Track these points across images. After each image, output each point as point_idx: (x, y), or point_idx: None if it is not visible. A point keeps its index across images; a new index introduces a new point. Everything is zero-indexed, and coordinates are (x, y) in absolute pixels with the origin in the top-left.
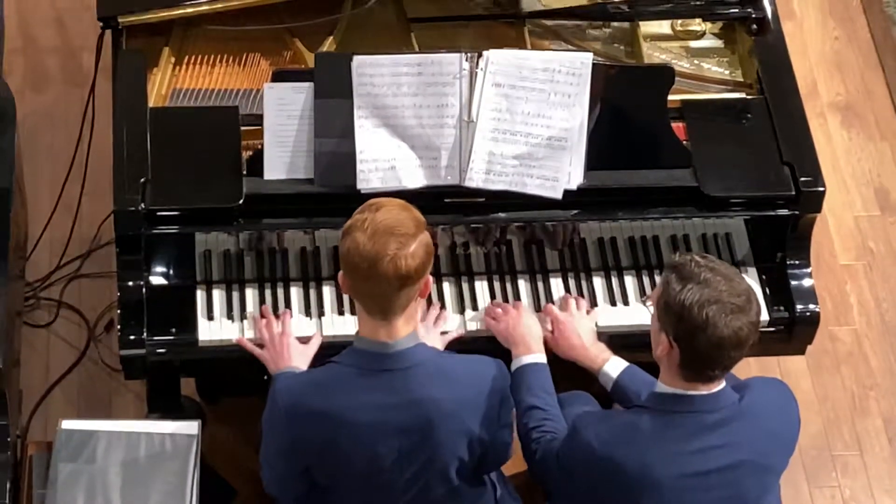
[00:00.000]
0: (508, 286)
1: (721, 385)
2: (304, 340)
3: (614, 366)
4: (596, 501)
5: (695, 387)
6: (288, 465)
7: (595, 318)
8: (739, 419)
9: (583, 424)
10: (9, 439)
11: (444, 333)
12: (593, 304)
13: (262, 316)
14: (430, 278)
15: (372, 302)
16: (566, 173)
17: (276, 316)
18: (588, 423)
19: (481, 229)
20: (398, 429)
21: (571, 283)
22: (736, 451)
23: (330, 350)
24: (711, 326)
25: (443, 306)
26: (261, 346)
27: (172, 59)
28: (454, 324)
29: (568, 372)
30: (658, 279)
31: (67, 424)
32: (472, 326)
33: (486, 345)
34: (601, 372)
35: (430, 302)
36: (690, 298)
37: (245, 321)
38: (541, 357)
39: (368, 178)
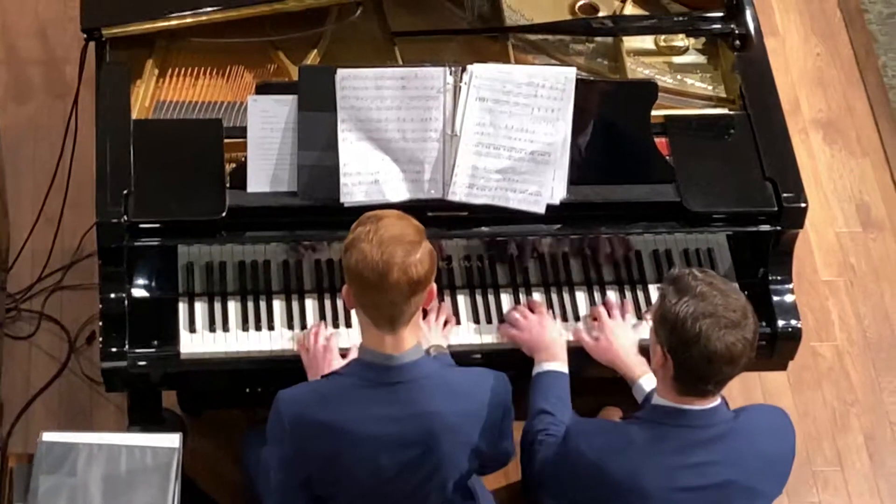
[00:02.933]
0: (491, 300)
1: (716, 401)
2: (344, 354)
3: (649, 381)
4: None
5: (689, 401)
6: (290, 473)
7: (640, 332)
8: (732, 438)
9: (576, 432)
10: None
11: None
12: (575, 318)
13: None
14: (435, 286)
15: (380, 313)
16: (549, 188)
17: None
18: (581, 431)
19: (464, 243)
20: (402, 442)
21: (554, 297)
22: (726, 469)
23: None
24: (704, 339)
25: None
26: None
27: (156, 72)
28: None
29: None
30: (640, 294)
31: (48, 437)
32: (454, 340)
33: (469, 359)
34: (636, 384)
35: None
36: (685, 311)
37: (228, 333)
38: (563, 367)
39: (352, 191)
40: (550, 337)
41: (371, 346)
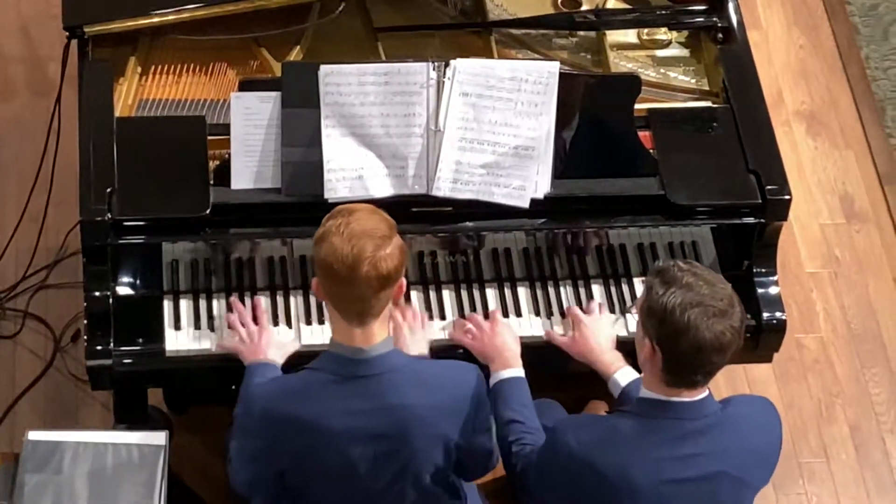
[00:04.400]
0: (476, 294)
1: (704, 393)
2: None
3: (625, 375)
4: None
5: (677, 393)
6: (262, 468)
7: (617, 327)
8: (720, 429)
9: (563, 428)
10: None
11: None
12: (561, 313)
13: (231, 310)
14: (405, 281)
15: (349, 306)
16: (533, 182)
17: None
18: (569, 427)
19: (448, 238)
20: (373, 435)
21: (539, 292)
22: (714, 461)
23: (301, 359)
24: (693, 329)
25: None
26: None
27: (139, 69)
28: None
29: (545, 381)
30: (625, 288)
31: (34, 435)
32: (441, 335)
33: (455, 353)
34: (612, 379)
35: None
36: (672, 301)
37: (213, 331)
38: (518, 371)
39: (335, 187)
40: (502, 343)
41: (341, 340)
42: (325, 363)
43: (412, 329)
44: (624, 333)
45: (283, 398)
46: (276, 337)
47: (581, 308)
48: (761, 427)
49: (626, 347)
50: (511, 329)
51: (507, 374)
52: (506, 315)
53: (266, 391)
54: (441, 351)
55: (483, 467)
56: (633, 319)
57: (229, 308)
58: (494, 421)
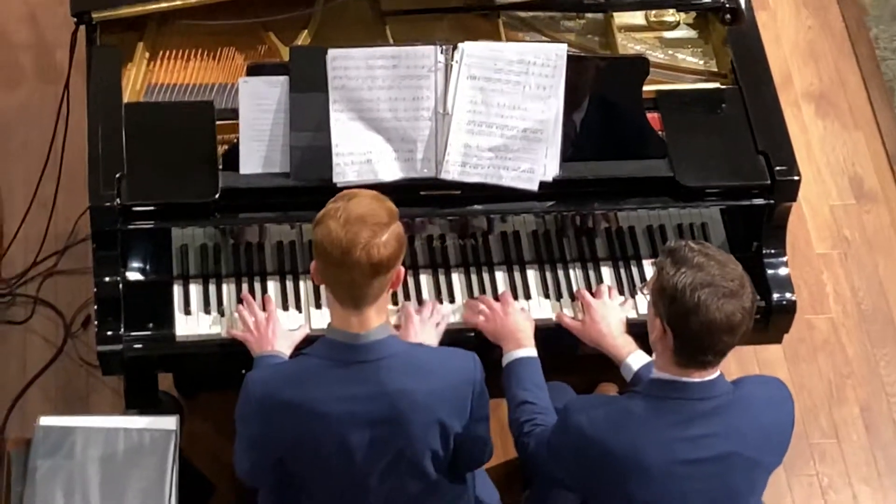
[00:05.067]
0: (486, 277)
1: (716, 373)
2: None
3: (637, 359)
4: (585, 488)
5: (688, 373)
6: (261, 455)
7: (627, 311)
8: (732, 410)
9: (575, 409)
10: None
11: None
12: (570, 296)
13: (242, 301)
14: (402, 269)
15: (344, 291)
16: (542, 165)
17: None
18: (580, 408)
19: (458, 221)
20: (369, 420)
21: (548, 274)
22: (726, 441)
23: (308, 343)
24: (703, 309)
25: (430, 301)
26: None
27: (147, 55)
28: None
29: (555, 363)
30: (635, 270)
31: (45, 421)
32: (451, 319)
33: (464, 337)
34: (624, 363)
35: (405, 295)
36: (683, 281)
37: (223, 316)
38: (531, 351)
39: (344, 171)
40: (514, 324)
41: (338, 326)
42: (322, 349)
43: (423, 321)
44: (634, 315)
45: (279, 384)
46: (284, 327)
47: (590, 292)
48: (773, 407)
49: (635, 329)
50: (523, 310)
51: (520, 353)
52: (515, 298)
53: (262, 378)
54: (451, 335)
55: (479, 457)
56: (642, 301)
57: (239, 293)
58: (507, 401)
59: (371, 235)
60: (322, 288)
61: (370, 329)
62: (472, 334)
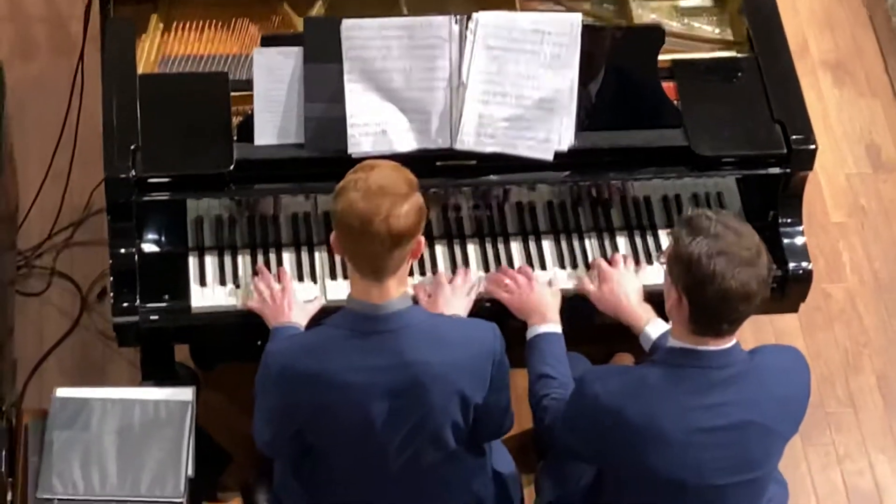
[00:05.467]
0: (501, 248)
1: (732, 342)
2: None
3: (656, 328)
4: (601, 457)
5: (704, 342)
6: (280, 426)
7: (643, 279)
8: (749, 378)
9: (591, 378)
10: (3, 407)
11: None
12: (585, 265)
13: (257, 273)
14: (423, 239)
15: (364, 262)
16: (557, 134)
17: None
18: (596, 378)
19: (473, 192)
20: (389, 391)
21: (564, 244)
22: (743, 410)
23: (327, 315)
24: (719, 278)
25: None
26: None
27: (161, 26)
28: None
29: (571, 334)
30: (650, 240)
31: (62, 392)
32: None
33: (480, 308)
34: (643, 332)
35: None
36: (699, 250)
37: (239, 287)
38: (555, 326)
39: (359, 141)
40: (539, 298)
41: (358, 297)
42: (342, 319)
43: (455, 289)
44: (650, 283)
45: (299, 355)
46: (299, 298)
47: (606, 261)
48: (790, 376)
49: (652, 298)
50: (545, 284)
51: (544, 328)
52: (531, 267)
53: (282, 348)
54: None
55: (498, 427)
56: (658, 270)
57: (254, 265)
58: (528, 374)
59: (391, 206)
60: (337, 259)
61: (390, 299)
62: (488, 304)
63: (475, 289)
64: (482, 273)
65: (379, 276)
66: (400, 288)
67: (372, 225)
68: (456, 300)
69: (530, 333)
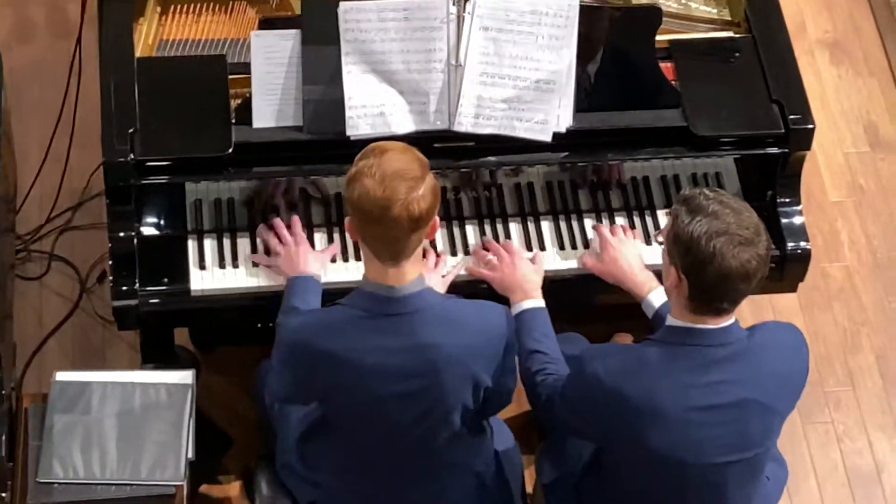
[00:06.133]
0: (500, 229)
1: (730, 320)
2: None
3: (658, 296)
4: (600, 436)
5: (703, 320)
6: (295, 395)
7: (644, 247)
8: (748, 356)
9: (590, 357)
10: (3, 391)
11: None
12: (584, 245)
13: (270, 228)
14: (437, 219)
15: (382, 246)
16: (555, 116)
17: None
18: (596, 356)
19: (471, 173)
20: (402, 372)
21: (562, 224)
22: (742, 388)
23: (326, 296)
24: (719, 257)
25: (439, 252)
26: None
27: (158, 9)
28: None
29: (570, 315)
30: (649, 220)
31: (62, 376)
32: (464, 271)
33: (476, 288)
34: (645, 300)
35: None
36: (699, 230)
37: (238, 269)
38: (539, 302)
39: (357, 124)
40: (522, 275)
41: (373, 278)
42: (358, 300)
43: (428, 271)
44: (649, 264)
45: (313, 333)
46: (313, 251)
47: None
48: (788, 352)
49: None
50: (528, 260)
51: (528, 304)
52: (529, 249)
53: (296, 325)
54: (463, 286)
55: (501, 406)
56: (657, 250)
57: (254, 247)
58: (518, 351)
59: (408, 190)
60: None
61: (406, 282)
62: (485, 286)
63: (452, 271)
64: (460, 257)
65: (397, 258)
66: (415, 270)
67: (391, 211)
68: (432, 279)
69: (515, 310)
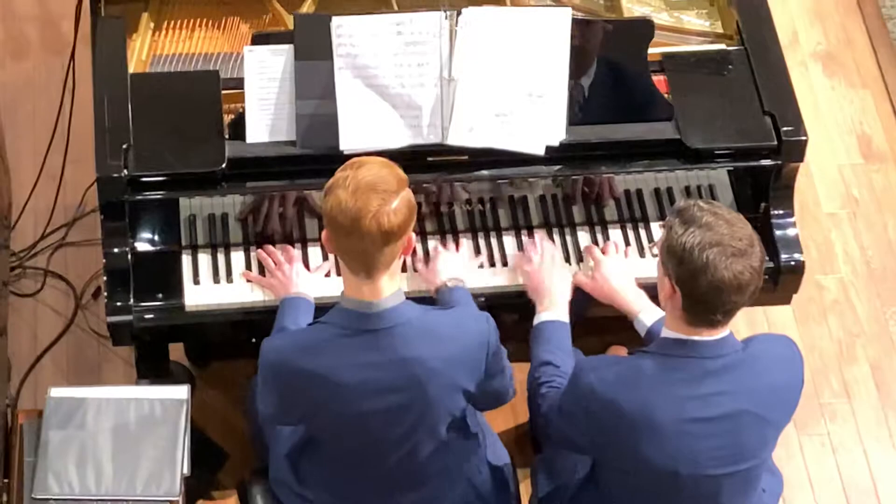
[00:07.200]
0: (494, 243)
1: (725, 332)
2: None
3: (650, 314)
4: (595, 448)
5: (698, 332)
6: (280, 412)
7: (636, 265)
8: (742, 368)
9: (586, 369)
10: None
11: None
12: (578, 259)
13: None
14: (413, 236)
15: (355, 260)
16: (548, 129)
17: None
18: (592, 368)
19: (465, 187)
20: (386, 388)
21: (556, 238)
22: (737, 399)
23: (317, 311)
24: (712, 269)
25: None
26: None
27: (152, 25)
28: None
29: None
30: (643, 232)
31: (56, 392)
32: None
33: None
34: (637, 319)
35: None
36: (692, 241)
37: (231, 284)
38: (564, 316)
39: (350, 138)
40: (553, 285)
41: (351, 294)
42: (336, 317)
43: (452, 254)
44: (643, 276)
45: (294, 353)
46: (305, 271)
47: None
48: (783, 365)
49: (646, 291)
50: (565, 271)
51: (551, 315)
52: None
53: (276, 346)
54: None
55: (497, 401)
56: (651, 262)
57: (248, 262)
58: (531, 358)
59: (381, 203)
60: (332, 256)
61: (382, 297)
62: (482, 299)
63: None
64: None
65: (370, 273)
66: (392, 284)
67: (362, 223)
68: (452, 262)
69: (537, 319)
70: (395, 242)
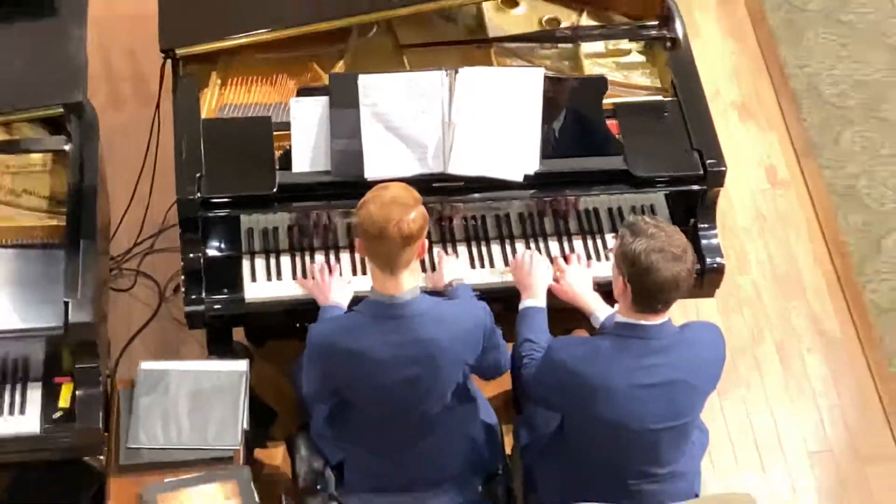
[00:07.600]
0: (483, 250)
1: (665, 318)
2: None
3: (602, 312)
4: (564, 407)
5: (644, 318)
6: (322, 385)
7: (592, 273)
8: (679, 346)
9: (558, 346)
10: (100, 378)
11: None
12: (550, 262)
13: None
14: (426, 241)
15: (381, 260)
16: (526, 161)
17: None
18: (562, 346)
19: (462, 206)
20: (408, 361)
21: (532, 246)
22: (674, 370)
23: (354, 302)
24: (655, 269)
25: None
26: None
27: (219, 81)
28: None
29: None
30: (599, 241)
31: (146, 365)
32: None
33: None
34: (593, 315)
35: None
36: (640, 247)
37: (280, 282)
38: (542, 302)
39: (373, 168)
40: (534, 279)
41: (378, 289)
42: (367, 307)
43: (450, 258)
44: (601, 276)
45: (336, 335)
46: (337, 282)
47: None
48: (710, 345)
49: (602, 288)
50: (546, 266)
51: (533, 303)
52: (505, 264)
53: (321, 330)
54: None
55: (495, 370)
56: (608, 265)
57: (294, 266)
58: (515, 335)
59: (402, 214)
60: (358, 259)
61: (403, 291)
62: (478, 293)
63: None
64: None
65: (394, 270)
66: (412, 280)
67: (387, 229)
68: (454, 266)
69: (522, 305)
70: (412, 245)
